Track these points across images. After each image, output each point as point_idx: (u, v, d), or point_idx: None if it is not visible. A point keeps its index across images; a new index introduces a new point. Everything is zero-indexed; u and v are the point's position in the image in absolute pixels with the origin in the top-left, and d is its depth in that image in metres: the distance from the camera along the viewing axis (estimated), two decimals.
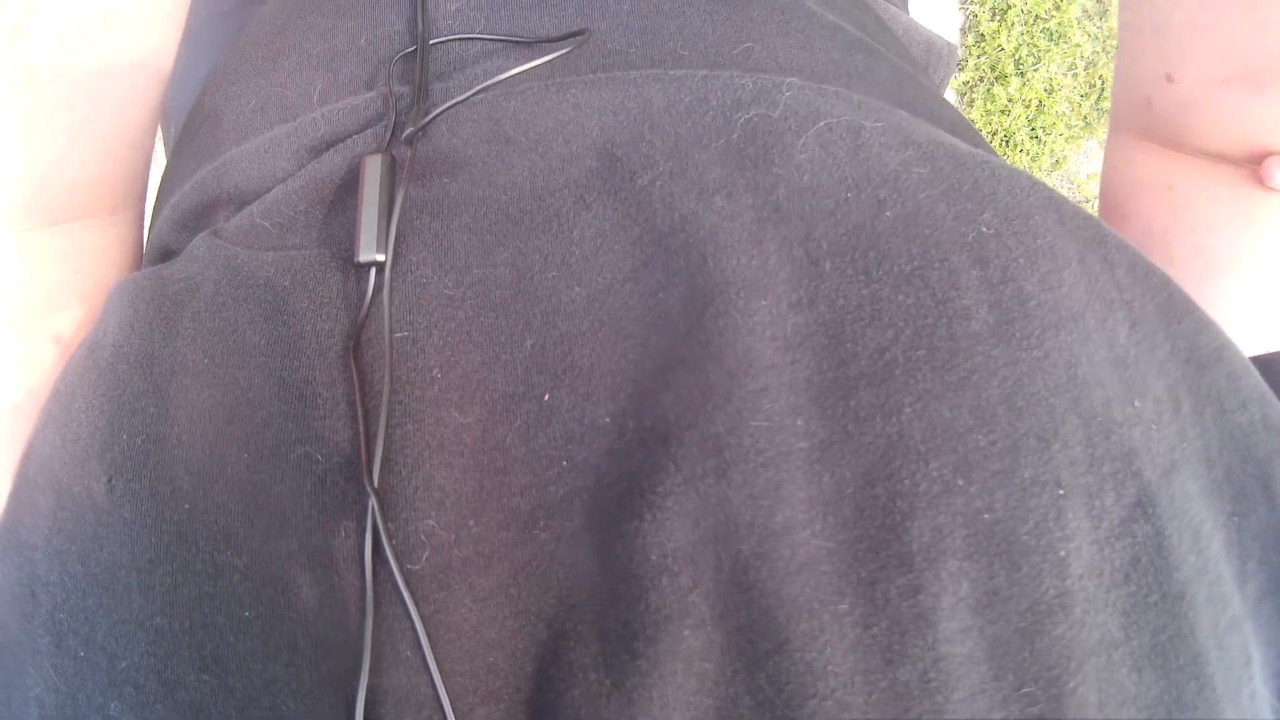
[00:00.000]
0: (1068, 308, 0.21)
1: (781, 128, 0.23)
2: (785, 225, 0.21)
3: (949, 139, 0.23)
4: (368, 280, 0.23)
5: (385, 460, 0.21)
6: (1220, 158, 0.30)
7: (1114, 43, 1.46)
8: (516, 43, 0.28)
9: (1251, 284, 0.30)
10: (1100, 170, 0.36)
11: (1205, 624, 0.19)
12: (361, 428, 0.21)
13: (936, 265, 0.20)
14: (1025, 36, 1.39)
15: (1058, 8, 1.40)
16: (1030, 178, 0.23)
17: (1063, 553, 0.18)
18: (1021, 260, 0.21)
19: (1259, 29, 0.27)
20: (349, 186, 0.25)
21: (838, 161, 0.22)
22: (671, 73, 0.25)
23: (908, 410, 0.19)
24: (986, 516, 0.18)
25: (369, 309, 0.23)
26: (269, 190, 0.27)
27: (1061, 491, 0.19)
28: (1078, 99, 1.43)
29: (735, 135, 0.23)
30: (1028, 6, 1.39)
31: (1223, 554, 0.21)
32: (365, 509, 0.20)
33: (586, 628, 0.19)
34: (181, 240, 0.29)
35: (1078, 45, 1.41)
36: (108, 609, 0.20)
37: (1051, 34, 1.40)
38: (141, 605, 0.20)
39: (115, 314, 0.25)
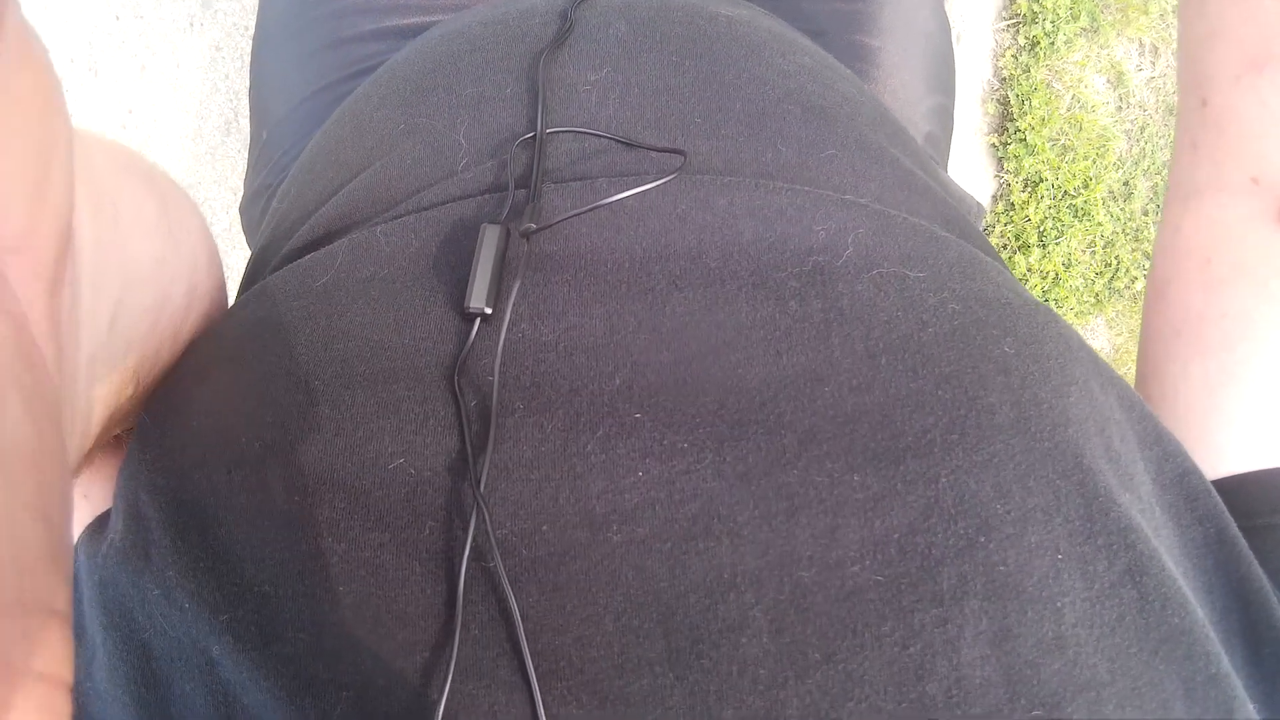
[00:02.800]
0: (1074, 414, 0.25)
1: (842, 272, 0.27)
2: (848, 325, 0.26)
3: (978, 285, 0.28)
4: (472, 324, 0.27)
5: (470, 477, 0.24)
6: (1258, 181, 0.32)
7: (1133, 224, 1.54)
8: (626, 144, 0.32)
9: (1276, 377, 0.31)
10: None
11: (1178, 677, 0.22)
12: (469, 451, 0.25)
13: (969, 371, 0.25)
14: (1052, 210, 1.47)
15: (1086, 186, 1.48)
16: (1047, 314, 0.28)
17: (1059, 604, 0.22)
18: (1036, 374, 0.25)
19: (1252, 18, 0.31)
20: (455, 239, 0.29)
21: (887, 295, 0.27)
22: (765, 199, 0.29)
23: (944, 480, 0.23)
24: (1001, 569, 0.22)
25: (469, 349, 0.26)
26: (402, 206, 0.31)
27: (1060, 556, 0.23)
28: (1092, 276, 1.50)
29: (807, 268, 0.27)
30: (1058, 181, 1.47)
31: (1207, 622, 0.24)
32: (449, 513, 0.24)
33: (653, 626, 0.23)
34: (320, 244, 0.33)
35: (1100, 224, 1.48)
36: (219, 575, 0.24)
37: (1077, 210, 1.47)
38: (253, 574, 0.24)
39: (240, 327, 0.29)
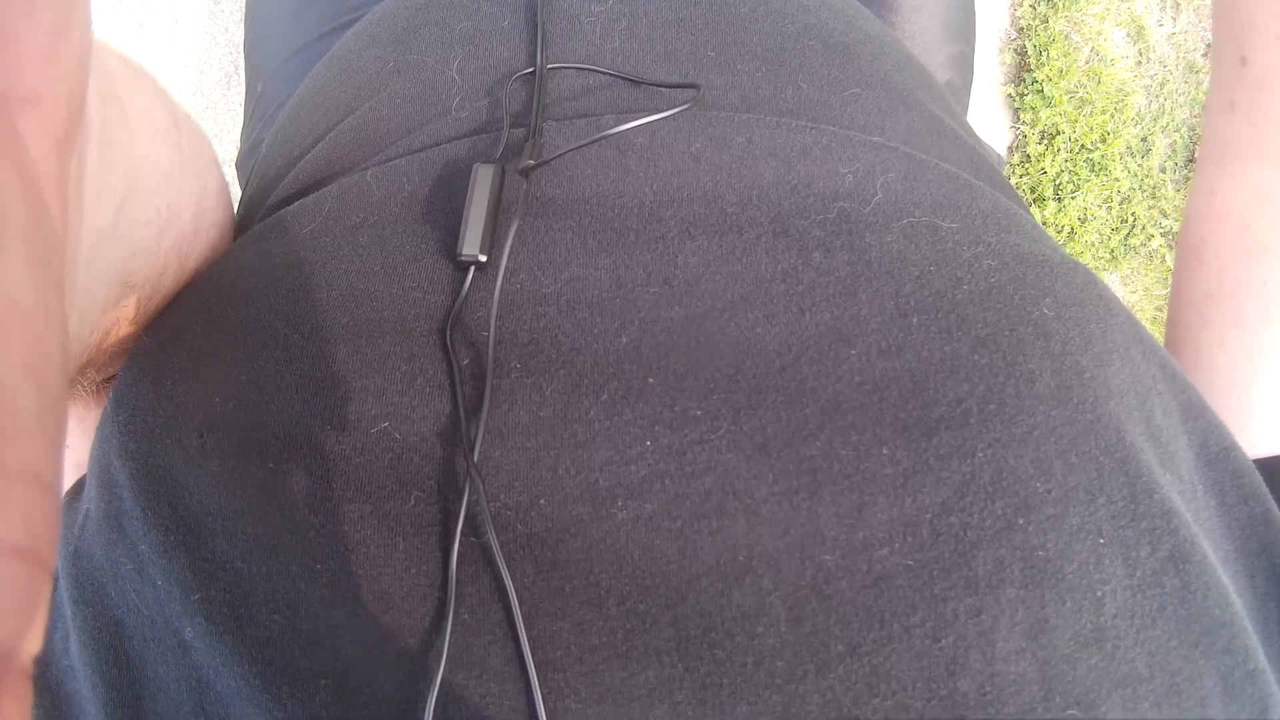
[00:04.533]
0: (1116, 384, 0.23)
1: (870, 220, 0.25)
2: (877, 280, 0.24)
3: (1014, 239, 0.26)
4: (465, 273, 0.25)
5: (460, 443, 0.22)
6: None
7: (1150, 181, 1.51)
8: (634, 81, 0.30)
9: None
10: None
11: (1216, 672, 0.21)
12: (461, 415, 0.22)
13: (1007, 333, 0.23)
14: (1068, 164, 1.44)
15: (1103, 140, 1.45)
16: (1086, 273, 0.26)
17: (1099, 593, 0.20)
18: (1077, 339, 0.23)
19: None
20: (446, 183, 0.27)
21: (919, 248, 0.25)
22: (787, 138, 0.27)
23: (980, 455, 0.21)
24: (1040, 554, 0.21)
25: (463, 301, 0.24)
26: (393, 149, 0.29)
27: (1102, 540, 0.21)
28: (1108, 232, 1.47)
29: (833, 216, 0.25)
30: (1075, 135, 1.44)
31: (1246, 614, 0.23)
32: (437, 483, 0.22)
33: (660, 612, 0.20)
34: (308, 192, 0.30)
35: (1116, 180, 1.46)
36: (190, 549, 0.22)
37: (1094, 165, 1.45)
38: (224, 549, 0.22)
39: (219, 278, 0.27)
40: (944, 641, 0.20)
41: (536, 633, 0.21)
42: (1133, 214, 1.48)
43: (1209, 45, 1.57)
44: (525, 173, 0.26)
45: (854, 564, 0.21)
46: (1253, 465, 0.25)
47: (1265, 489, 0.25)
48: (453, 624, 0.21)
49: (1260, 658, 0.22)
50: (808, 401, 0.22)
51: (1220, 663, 0.21)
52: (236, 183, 0.61)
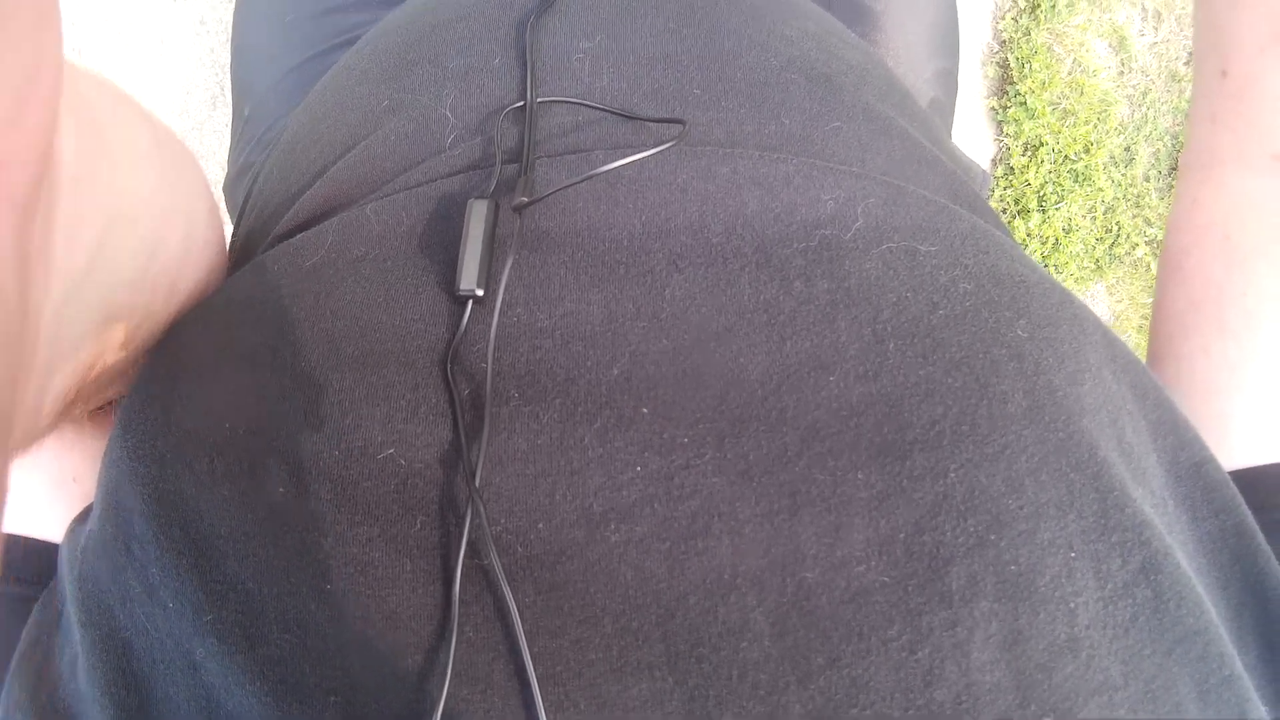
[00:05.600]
0: (1089, 402, 0.24)
1: (851, 247, 0.26)
2: (856, 307, 0.25)
3: (991, 260, 0.26)
4: (464, 307, 0.25)
5: (462, 469, 0.23)
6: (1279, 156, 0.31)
7: (1134, 190, 1.52)
8: (622, 116, 0.30)
9: None
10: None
11: (1191, 679, 0.22)
12: (463, 442, 0.23)
13: (981, 355, 0.24)
14: (1052, 175, 1.45)
15: (1087, 150, 1.46)
16: (1062, 294, 0.27)
17: (1072, 605, 0.21)
18: (1051, 360, 0.24)
19: None
20: (443, 217, 0.28)
21: (897, 273, 0.25)
22: (770, 168, 0.28)
23: (952, 475, 0.22)
24: (1012, 568, 0.21)
25: (463, 335, 0.25)
26: (390, 186, 0.30)
27: (1073, 553, 0.22)
28: (1093, 242, 1.48)
29: (814, 244, 0.26)
30: (1059, 146, 1.45)
31: (1221, 623, 0.23)
32: (441, 507, 0.23)
33: (652, 628, 0.22)
34: (308, 226, 0.31)
35: (1100, 190, 1.47)
36: (201, 571, 0.23)
37: (1077, 175, 1.46)
38: (236, 571, 0.23)
39: (225, 306, 0.28)
40: (920, 653, 0.21)
41: (537, 649, 0.22)
42: (1117, 223, 1.49)
43: (1190, 54, 1.58)
44: (519, 209, 0.27)
45: (833, 580, 0.22)
46: (1226, 478, 0.26)
47: (1239, 501, 0.26)
48: (457, 641, 0.22)
49: (1236, 664, 0.22)
50: (788, 429, 0.23)
51: (1195, 669, 0.22)
52: (224, 206, 0.61)
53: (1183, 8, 1.58)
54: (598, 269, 0.26)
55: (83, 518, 0.28)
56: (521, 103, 0.31)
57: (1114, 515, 0.22)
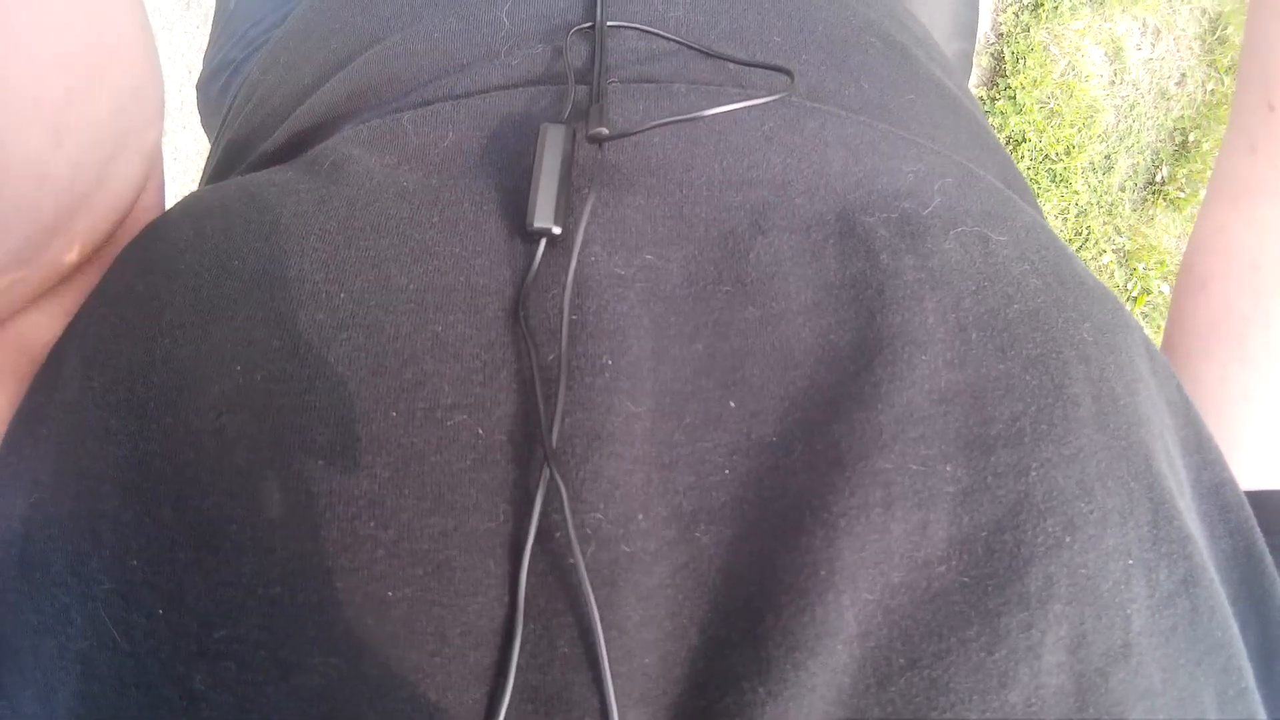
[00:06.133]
0: (1143, 412, 0.24)
1: (929, 224, 0.25)
2: (940, 290, 0.23)
3: (1053, 258, 0.26)
4: (535, 246, 0.22)
5: (543, 445, 0.20)
6: None
7: (1109, 198, 1.55)
8: (704, 54, 0.28)
9: None
10: None
11: (1214, 689, 0.22)
12: (542, 413, 0.20)
13: (1054, 356, 0.23)
14: (1030, 171, 1.47)
15: (1068, 152, 1.49)
16: (1115, 301, 0.26)
17: (1129, 611, 0.21)
18: (1113, 366, 0.24)
19: None
20: (503, 137, 0.25)
21: (973, 259, 0.24)
22: (856, 130, 0.27)
23: (1034, 473, 0.21)
24: (1083, 571, 0.21)
25: (535, 277, 0.22)
26: (430, 90, 0.26)
27: (1131, 561, 0.21)
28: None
29: (895, 216, 0.25)
30: (1041, 144, 1.47)
31: (1240, 633, 0.23)
32: (527, 495, 0.19)
33: (741, 636, 0.20)
34: (316, 138, 0.27)
35: (1076, 193, 1.49)
36: (207, 568, 0.18)
37: (1056, 176, 1.48)
38: (255, 570, 0.18)
39: (210, 219, 0.23)
40: (997, 654, 0.20)
41: (630, 668, 0.19)
42: (1088, 227, 1.52)
43: (1184, 75, 1.61)
44: (598, 141, 0.24)
45: (915, 581, 0.21)
46: (1243, 500, 0.26)
47: (1253, 524, 0.26)
48: (548, 660, 0.19)
49: (1251, 678, 0.22)
50: (882, 408, 0.22)
51: (1218, 681, 0.22)
52: (195, 105, 0.57)
53: (1182, 29, 1.61)
54: (676, 222, 0.24)
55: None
56: (590, 24, 0.27)
57: (1164, 527, 0.22)
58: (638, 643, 0.19)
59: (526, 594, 0.19)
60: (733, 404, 0.22)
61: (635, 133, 0.24)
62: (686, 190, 0.24)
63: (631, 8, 0.28)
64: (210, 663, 0.17)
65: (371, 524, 0.18)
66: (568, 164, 0.23)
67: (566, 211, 0.23)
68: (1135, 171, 1.58)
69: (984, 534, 0.21)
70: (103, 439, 0.19)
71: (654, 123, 0.24)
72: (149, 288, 0.21)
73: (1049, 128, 1.47)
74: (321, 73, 0.29)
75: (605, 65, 0.26)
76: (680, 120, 0.24)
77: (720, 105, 0.24)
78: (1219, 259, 0.33)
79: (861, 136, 0.26)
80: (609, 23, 0.27)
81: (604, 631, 0.19)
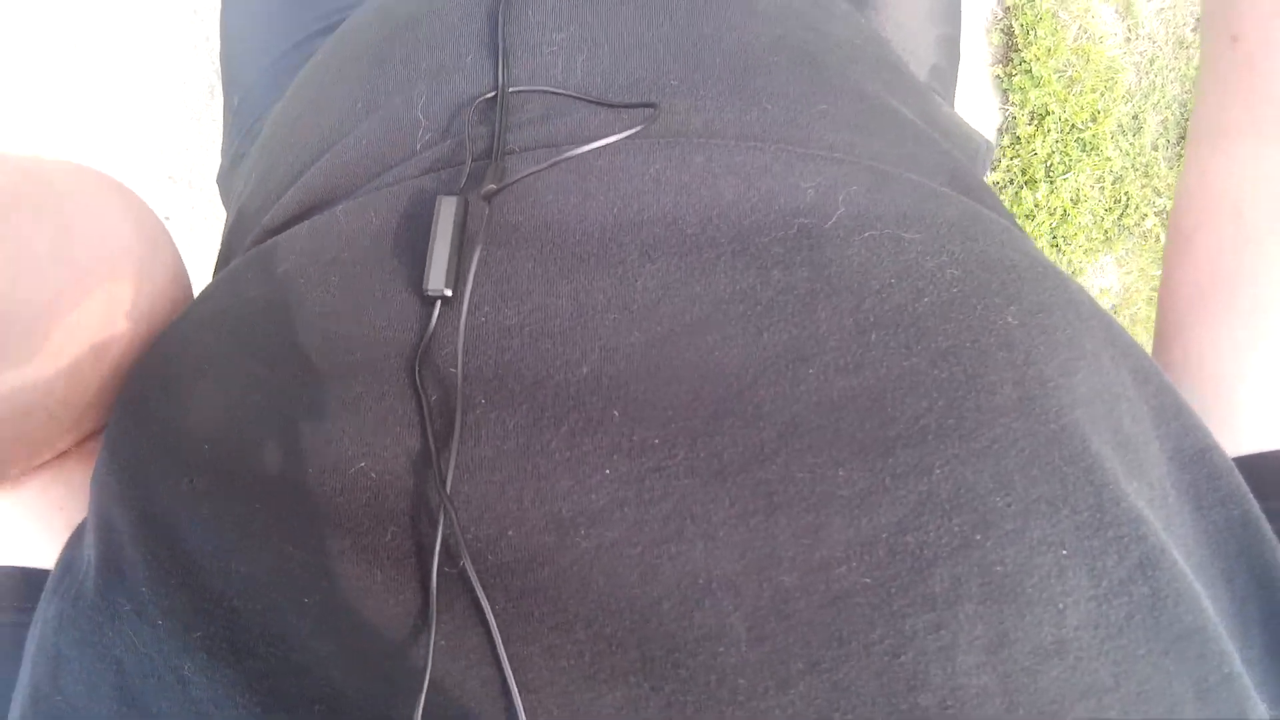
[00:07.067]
0: (1082, 392, 0.23)
1: (831, 235, 0.25)
2: (837, 296, 0.24)
3: (980, 246, 0.26)
4: (431, 307, 0.25)
5: (431, 478, 0.23)
6: None
7: (1143, 160, 1.50)
8: (592, 103, 0.30)
9: None
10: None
11: (1190, 678, 0.21)
12: (433, 451, 0.23)
13: (969, 345, 0.23)
14: (1059, 144, 1.43)
15: (1094, 119, 1.44)
16: (1057, 278, 0.26)
17: (1061, 606, 0.21)
18: (1043, 348, 0.23)
19: None
20: (411, 215, 0.27)
21: (881, 261, 0.25)
22: (747, 157, 0.27)
23: (937, 471, 0.22)
24: (998, 569, 0.21)
25: (430, 338, 0.25)
26: (361, 191, 0.30)
27: (1065, 552, 0.21)
28: (1101, 212, 1.46)
29: (793, 232, 0.25)
30: (1065, 115, 1.43)
31: (1223, 618, 0.23)
32: (412, 517, 0.23)
33: (626, 635, 0.21)
34: (285, 229, 0.31)
35: (1108, 159, 1.45)
36: (189, 589, 0.23)
37: (1085, 145, 1.44)
38: (221, 588, 0.23)
39: (200, 322, 0.28)
40: (904, 657, 0.20)
41: (509, 656, 0.21)
42: (1125, 193, 1.47)
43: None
44: (488, 198, 0.26)
45: (812, 583, 0.21)
46: (1232, 466, 0.25)
47: (1245, 490, 0.25)
48: (435, 649, 0.22)
49: (1235, 663, 0.22)
50: (764, 424, 0.22)
51: (1194, 668, 0.21)
52: (220, 198, 0.60)
53: None
54: (567, 260, 0.25)
55: (76, 539, 0.28)
56: (492, 93, 0.30)
57: (1110, 510, 0.22)
58: (513, 635, 0.22)
59: (404, 599, 0.22)
60: (616, 413, 0.23)
61: (512, 182, 0.26)
62: (579, 236, 0.26)
63: (535, 76, 0.31)
64: (191, 654, 0.23)
65: (291, 547, 0.23)
66: (460, 229, 0.26)
67: (459, 273, 0.25)
68: (1165, 127, 1.53)
69: (885, 535, 0.21)
70: (122, 504, 0.25)
71: (525, 172, 0.27)
72: (144, 390, 0.27)
73: (1070, 96, 1.43)
74: (284, 183, 0.33)
75: (505, 134, 0.29)
76: (546, 167, 0.27)
77: (583, 146, 0.27)
78: (1202, 208, 0.32)
79: (754, 162, 0.27)
80: (510, 89, 0.30)
81: (474, 626, 0.22)
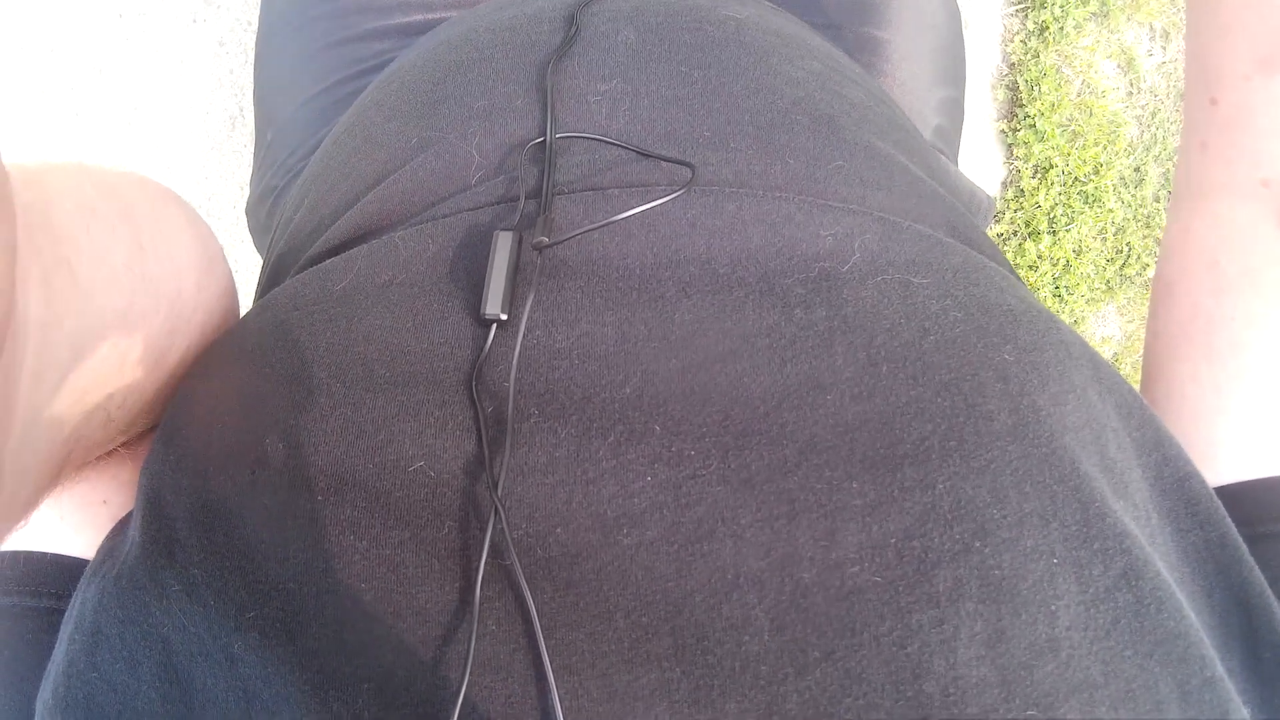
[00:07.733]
0: (1071, 421, 0.26)
1: (848, 278, 0.28)
2: (852, 333, 0.26)
3: (981, 291, 0.28)
4: (488, 330, 0.28)
5: (486, 480, 0.25)
6: (1268, 184, 0.31)
7: (1144, 211, 1.52)
8: (638, 153, 0.33)
9: None
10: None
11: (1173, 680, 0.23)
12: (486, 455, 0.25)
13: (968, 378, 0.26)
14: (1062, 196, 1.45)
15: (1096, 172, 1.47)
16: (1049, 321, 0.28)
17: (1053, 607, 0.23)
18: (1035, 382, 0.26)
19: (1264, 17, 0.31)
20: (470, 245, 0.30)
21: (891, 302, 0.27)
22: (773, 206, 0.30)
23: (940, 486, 0.24)
24: (996, 572, 0.23)
25: (486, 356, 0.27)
26: (417, 219, 0.32)
27: (1055, 560, 0.23)
28: (1103, 263, 1.48)
29: (813, 274, 0.28)
30: (1069, 168, 1.45)
31: (1205, 629, 0.25)
32: (466, 514, 0.25)
33: (661, 623, 0.23)
34: (338, 252, 0.33)
35: (1110, 210, 1.47)
36: (244, 573, 0.25)
37: (1087, 197, 1.46)
38: (277, 573, 0.25)
39: (261, 329, 0.30)
40: (910, 648, 0.22)
41: (554, 642, 0.24)
42: (1127, 244, 1.49)
43: None
44: (539, 249, 0.29)
45: (828, 580, 0.23)
46: (1210, 492, 0.27)
47: (1222, 514, 0.27)
48: (480, 634, 0.24)
49: (1218, 667, 0.23)
50: (787, 442, 0.25)
51: (1176, 671, 0.23)
52: (247, 226, 0.62)
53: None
54: (612, 294, 0.28)
55: (119, 529, 0.31)
56: (542, 139, 0.33)
57: (1095, 525, 0.24)
58: (559, 622, 0.24)
59: (458, 588, 0.24)
60: (657, 428, 0.26)
61: (564, 240, 0.29)
62: (622, 273, 0.28)
63: (579, 124, 0.34)
64: (243, 634, 0.24)
65: (352, 538, 0.25)
66: (514, 262, 0.29)
67: (513, 300, 0.28)
68: (1167, 180, 1.55)
69: (893, 540, 0.23)
70: (176, 492, 0.27)
71: (577, 231, 0.29)
72: (208, 390, 0.29)
73: (1074, 150, 1.46)
74: (337, 209, 0.36)
75: (555, 181, 0.32)
76: (598, 227, 0.29)
77: (627, 208, 0.29)
78: (1182, 261, 0.34)
79: (779, 211, 0.30)
80: (558, 135, 0.33)
81: (517, 614, 0.24)
